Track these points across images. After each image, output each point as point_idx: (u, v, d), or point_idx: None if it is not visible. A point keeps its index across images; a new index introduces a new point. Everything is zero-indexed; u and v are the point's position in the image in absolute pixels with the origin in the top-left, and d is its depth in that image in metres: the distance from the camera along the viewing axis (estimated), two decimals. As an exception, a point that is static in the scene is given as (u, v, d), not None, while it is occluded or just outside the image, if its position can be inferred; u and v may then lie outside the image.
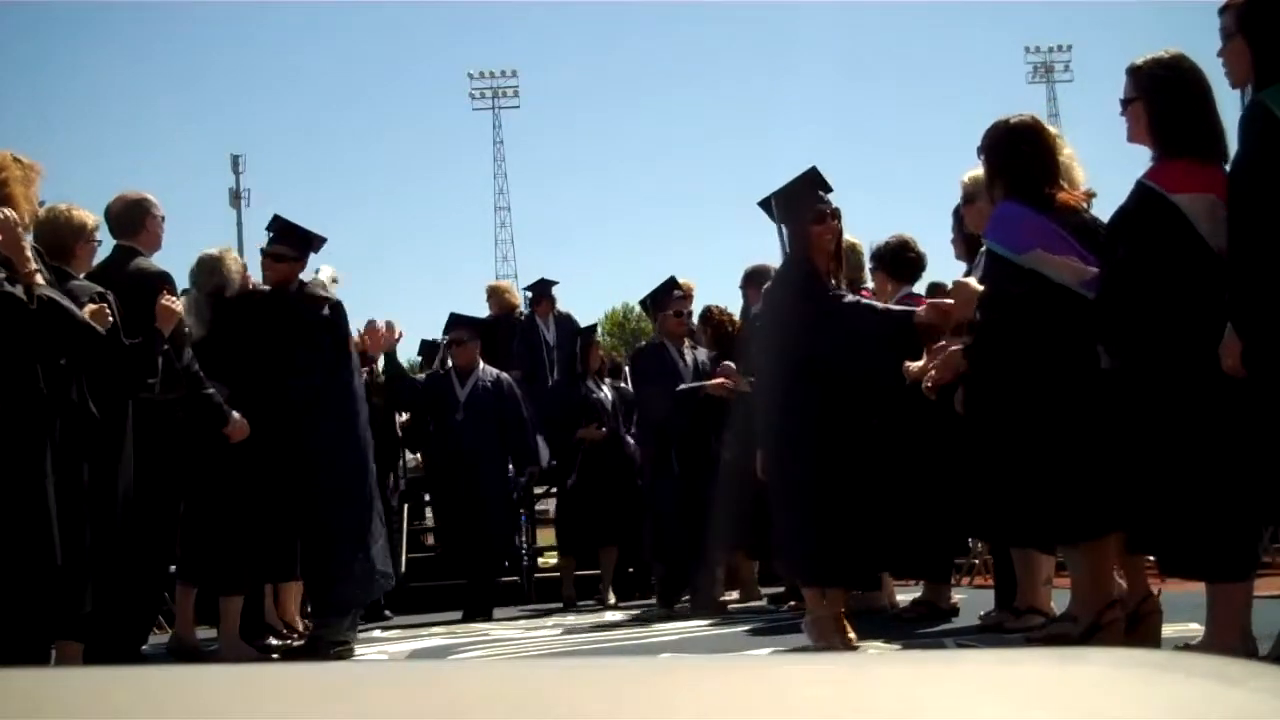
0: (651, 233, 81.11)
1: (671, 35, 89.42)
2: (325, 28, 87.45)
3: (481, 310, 10.13)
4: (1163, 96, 3.58)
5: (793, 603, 6.50)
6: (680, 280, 8.48)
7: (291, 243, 5.59)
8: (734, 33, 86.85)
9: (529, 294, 9.71)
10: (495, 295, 9.92)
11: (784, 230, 4.79)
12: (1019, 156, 3.99)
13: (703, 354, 7.09)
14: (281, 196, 65.91)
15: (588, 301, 74.78)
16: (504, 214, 52.47)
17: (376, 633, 6.63)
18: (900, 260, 5.72)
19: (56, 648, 4.02)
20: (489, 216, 55.53)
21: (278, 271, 5.56)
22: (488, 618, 7.03)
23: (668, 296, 7.11)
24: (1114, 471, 3.60)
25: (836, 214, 4.73)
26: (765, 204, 4.92)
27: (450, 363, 7.73)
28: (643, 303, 7.11)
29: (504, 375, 7.62)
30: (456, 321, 7.78)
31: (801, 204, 4.75)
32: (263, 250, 5.65)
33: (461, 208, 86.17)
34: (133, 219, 5.11)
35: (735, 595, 7.20)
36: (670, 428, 6.75)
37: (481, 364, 7.59)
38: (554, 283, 9.52)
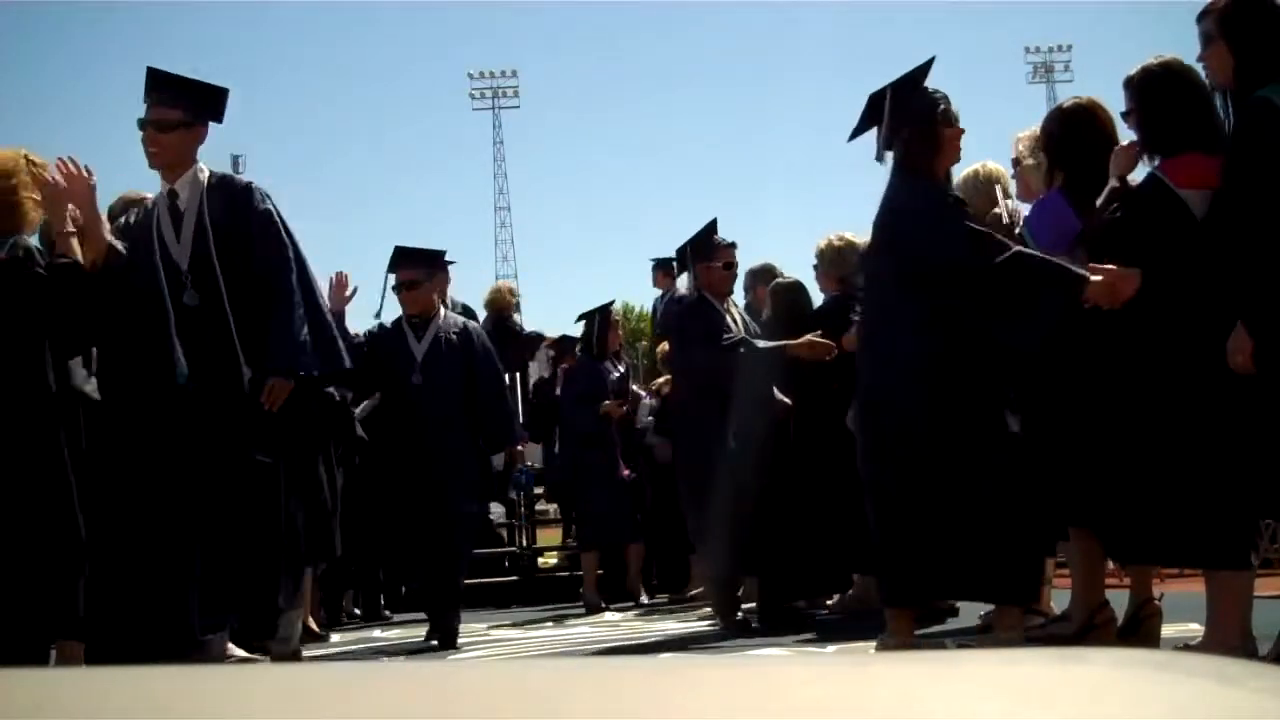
0: (652, 233, 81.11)
1: (672, 35, 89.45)
2: (325, 28, 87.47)
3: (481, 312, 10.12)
4: (1156, 100, 3.61)
5: (801, 602, 6.47)
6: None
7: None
8: (734, 33, 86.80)
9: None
10: (492, 296, 9.87)
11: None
12: (1080, 146, 3.94)
13: (746, 314, 6.13)
14: (281, 196, 65.72)
15: (588, 302, 74.73)
16: (504, 214, 52.44)
17: (376, 633, 6.63)
18: None
19: (56, 648, 4.01)
20: (489, 216, 55.48)
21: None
22: (451, 645, 5.61)
23: (710, 245, 5.95)
24: (1096, 469, 3.62)
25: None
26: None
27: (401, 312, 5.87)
28: (680, 252, 6.04)
29: (473, 324, 6.18)
30: (404, 257, 5.87)
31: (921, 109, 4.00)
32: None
33: (461, 208, 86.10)
34: None
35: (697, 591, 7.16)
36: (733, 395, 5.55)
37: (443, 310, 6.05)
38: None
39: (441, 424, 5.63)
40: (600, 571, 7.54)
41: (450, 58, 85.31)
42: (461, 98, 52.54)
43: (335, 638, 6.35)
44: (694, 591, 7.14)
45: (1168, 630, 3.92)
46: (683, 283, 5.99)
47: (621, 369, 7.87)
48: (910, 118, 3.93)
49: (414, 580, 6.31)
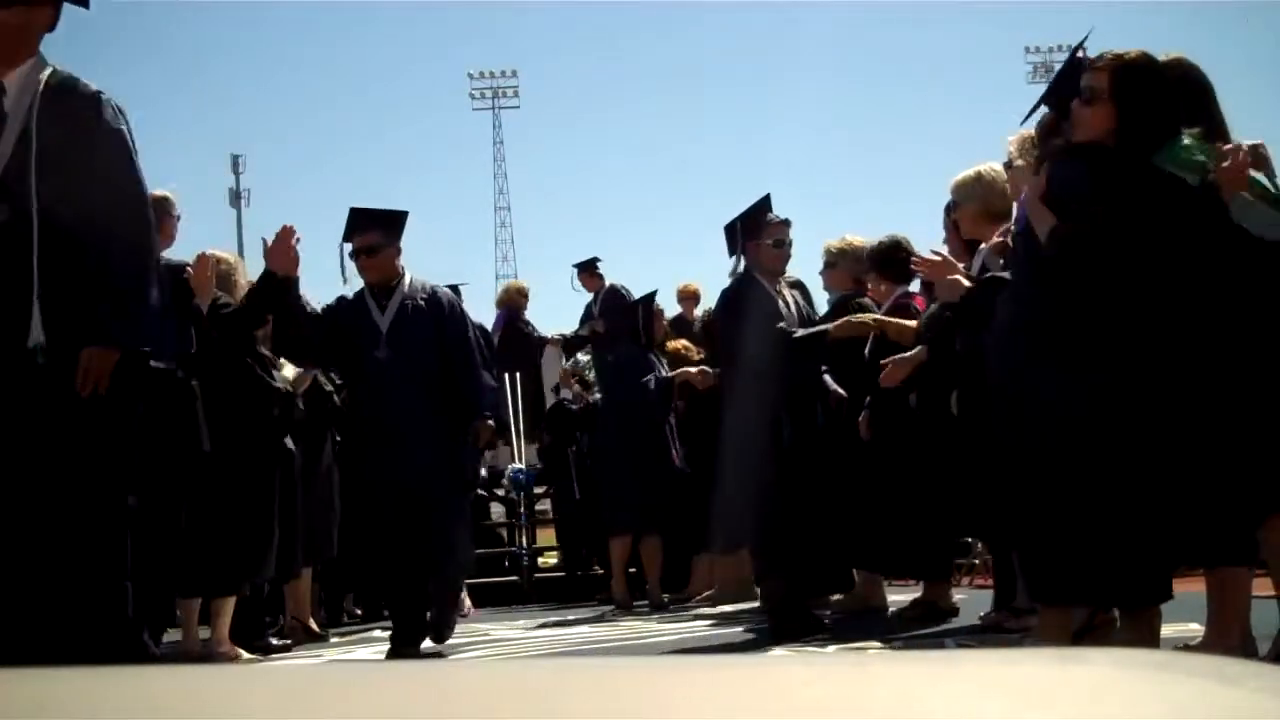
0: (652, 233, 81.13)
1: (672, 35, 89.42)
2: (325, 27, 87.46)
3: (486, 312, 10.14)
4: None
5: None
6: (684, 284, 8.44)
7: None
8: (734, 33, 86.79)
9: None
10: (502, 295, 9.94)
11: None
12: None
13: (799, 295, 5.70)
14: (281, 196, 65.94)
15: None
16: (504, 214, 52.45)
17: (376, 633, 6.63)
18: (892, 261, 5.70)
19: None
20: (489, 216, 55.48)
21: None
22: (414, 648, 5.03)
23: (760, 221, 5.48)
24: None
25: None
26: None
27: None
28: (728, 230, 5.54)
29: (442, 288, 5.44)
30: (361, 220, 5.22)
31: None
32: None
33: (461, 208, 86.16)
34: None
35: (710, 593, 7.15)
36: (793, 383, 5.22)
37: (408, 276, 5.27)
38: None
39: (411, 402, 5.01)
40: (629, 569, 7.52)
41: (450, 58, 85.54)
42: (461, 98, 52.57)
43: (335, 638, 6.36)
44: (709, 593, 7.13)
45: (1168, 630, 3.92)
46: (733, 264, 5.54)
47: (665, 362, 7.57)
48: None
49: (380, 579, 5.70)
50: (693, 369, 7.14)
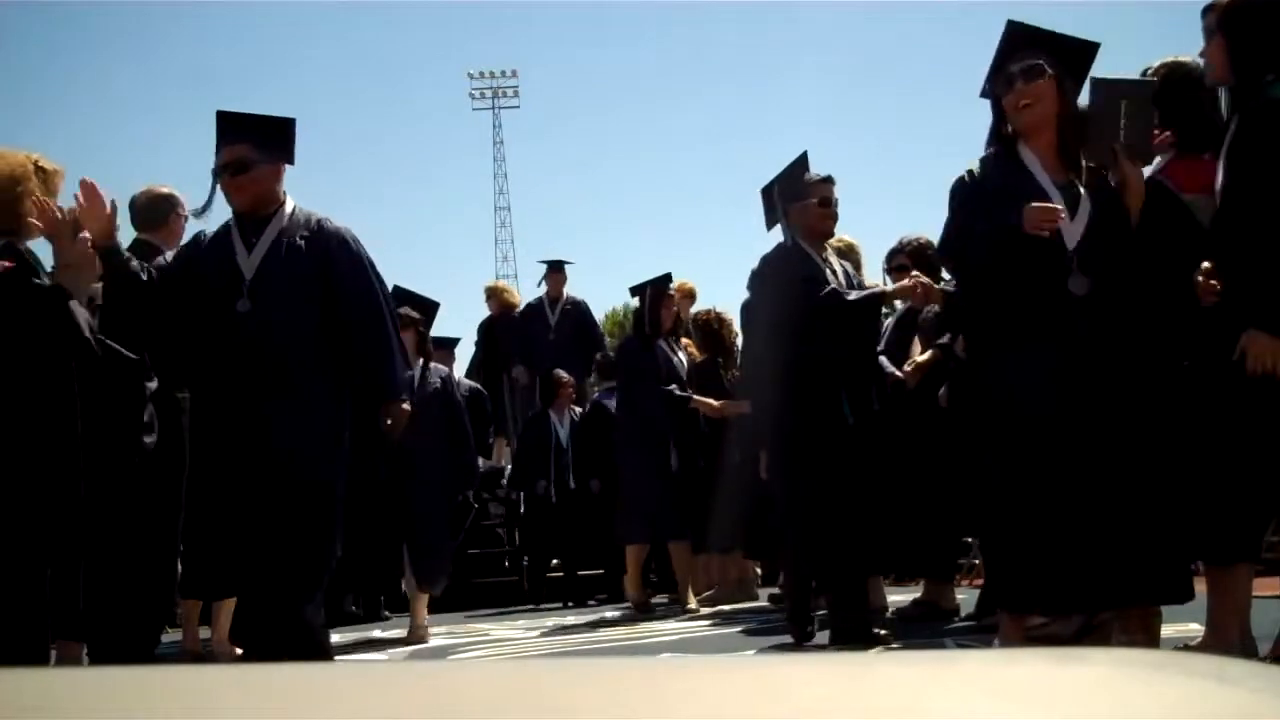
0: (652, 233, 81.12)
1: (672, 35, 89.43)
2: (325, 27, 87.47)
3: (483, 311, 10.12)
4: (1164, 99, 3.61)
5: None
6: (680, 282, 8.33)
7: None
8: (735, 32, 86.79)
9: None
10: (495, 295, 9.93)
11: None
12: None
13: (849, 266, 5.07)
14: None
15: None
16: (504, 214, 52.52)
17: (376, 633, 6.62)
18: (926, 256, 5.60)
19: (56, 647, 4.01)
20: (489, 216, 55.57)
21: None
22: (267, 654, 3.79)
23: (801, 181, 4.86)
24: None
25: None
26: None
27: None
28: (765, 194, 4.93)
29: (337, 223, 4.00)
30: (231, 125, 4.00)
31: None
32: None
33: (461, 208, 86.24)
34: (158, 214, 5.12)
35: (711, 593, 7.12)
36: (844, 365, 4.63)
37: (290, 204, 4.01)
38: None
39: (279, 365, 3.81)
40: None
41: (450, 58, 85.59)
42: (461, 98, 52.71)
43: (335, 638, 6.35)
44: (708, 593, 7.12)
45: (1167, 630, 3.92)
46: (777, 232, 4.94)
47: (681, 355, 7.02)
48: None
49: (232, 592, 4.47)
50: (715, 402, 6.62)
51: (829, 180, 4.87)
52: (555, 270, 9.74)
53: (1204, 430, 3.38)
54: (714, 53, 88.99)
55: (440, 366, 6.33)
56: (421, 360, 6.12)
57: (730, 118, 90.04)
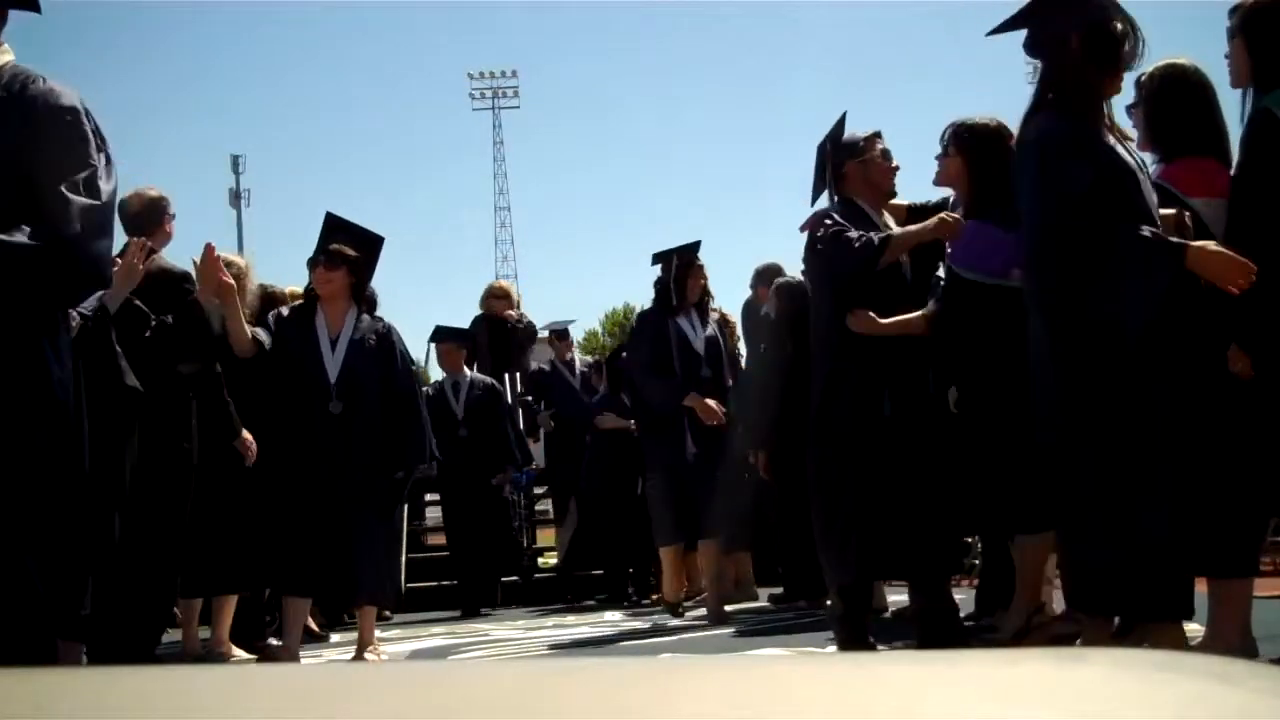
0: (652, 233, 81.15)
1: (672, 35, 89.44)
2: (325, 27, 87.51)
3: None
4: (1161, 100, 3.61)
5: (802, 602, 6.45)
6: None
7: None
8: (734, 32, 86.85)
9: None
10: (490, 298, 9.85)
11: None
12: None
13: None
14: (281, 197, 66.02)
15: (589, 301, 74.87)
16: (504, 214, 52.51)
17: (376, 633, 6.62)
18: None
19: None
20: (489, 216, 55.56)
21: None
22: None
23: (856, 137, 4.31)
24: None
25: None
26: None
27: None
28: (819, 154, 4.35)
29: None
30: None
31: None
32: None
33: (461, 208, 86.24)
34: (153, 217, 5.12)
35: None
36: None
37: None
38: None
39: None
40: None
41: (450, 58, 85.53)
42: (461, 98, 52.66)
43: (335, 638, 6.35)
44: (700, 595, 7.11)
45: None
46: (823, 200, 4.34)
47: (709, 330, 6.19)
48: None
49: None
50: (713, 403, 6.04)
51: (877, 135, 4.36)
52: (561, 338, 9.46)
53: (1202, 441, 3.38)
54: (714, 52, 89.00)
55: (380, 318, 5.07)
56: (355, 310, 4.93)
57: (730, 118, 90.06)
